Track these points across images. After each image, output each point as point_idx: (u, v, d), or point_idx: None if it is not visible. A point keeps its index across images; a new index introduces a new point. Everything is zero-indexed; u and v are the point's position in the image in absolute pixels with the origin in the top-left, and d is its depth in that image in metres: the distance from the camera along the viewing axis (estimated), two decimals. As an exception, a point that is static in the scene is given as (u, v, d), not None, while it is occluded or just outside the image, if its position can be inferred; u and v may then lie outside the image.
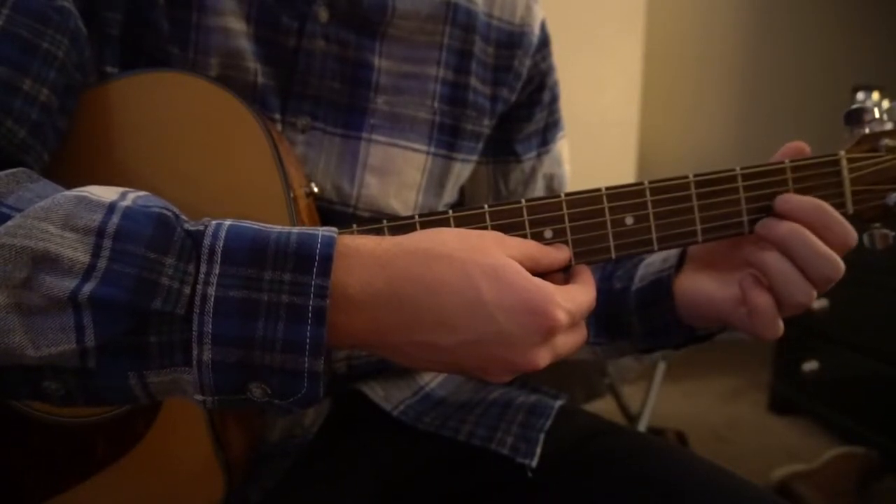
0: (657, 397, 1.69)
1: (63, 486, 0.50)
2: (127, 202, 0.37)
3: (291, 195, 0.49)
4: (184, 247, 0.36)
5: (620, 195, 0.49)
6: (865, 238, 0.54)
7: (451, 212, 0.47)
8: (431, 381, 0.68)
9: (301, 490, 0.57)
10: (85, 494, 0.50)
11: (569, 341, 0.43)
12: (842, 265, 0.48)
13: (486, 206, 0.47)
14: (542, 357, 0.41)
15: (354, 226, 0.47)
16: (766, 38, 2.56)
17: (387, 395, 0.63)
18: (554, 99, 0.73)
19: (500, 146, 0.70)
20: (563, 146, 0.75)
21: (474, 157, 0.68)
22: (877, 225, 0.54)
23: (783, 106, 2.50)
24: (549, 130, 0.73)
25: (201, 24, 0.54)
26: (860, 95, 0.56)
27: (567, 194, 0.48)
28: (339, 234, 0.39)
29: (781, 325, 0.50)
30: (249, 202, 0.49)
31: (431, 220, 0.47)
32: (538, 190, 0.73)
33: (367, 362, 0.64)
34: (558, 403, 0.66)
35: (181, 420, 0.49)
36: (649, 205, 0.49)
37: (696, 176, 0.50)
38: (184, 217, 0.38)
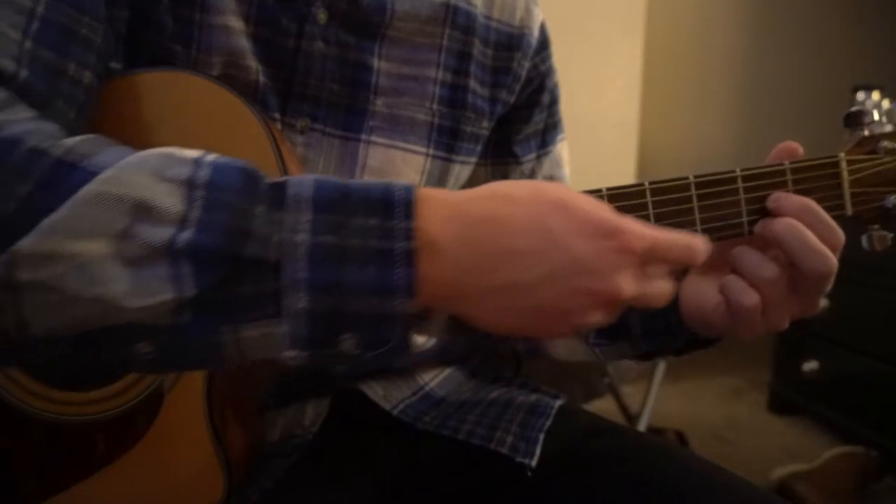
0: (657, 397, 1.69)
1: (63, 486, 0.50)
2: (211, 157, 0.37)
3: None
4: (271, 197, 0.36)
5: (621, 196, 0.49)
6: (864, 240, 0.54)
7: None
8: (431, 380, 0.69)
9: (301, 490, 0.58)
10: (85, 493, 0.50)
11: (657, 284, 0.42)
12: (834, 262, 0.48)
13: None
14: (625, 283, 0.39)
15: None
16: (766, 39, 2.56)
17: (387, 395, 0.64)
18: (553, 101, 0.73)
19: (499, 148, 0.70)
20: (563, 148, 0.75)
21: (473, 159, 0.68)
22: (875, 227, 0.54)
23: (783, 106, 2.50)
24: (549, 132, 0.73)
25: (204, 22, 0.54)
26: (860, 95, 0.57)
27: None
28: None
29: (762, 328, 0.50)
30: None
31: None
32: (538, 191, 0.73)
33: (365, 361, 0.64)
34: (558, 403, 0.66)
35: (181, 419, 0.49)
36: (649, 205, 0.49)
37: (696, 177, 0.50)
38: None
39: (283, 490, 0.57)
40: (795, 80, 2.47)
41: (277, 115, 0.57)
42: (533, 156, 0.72)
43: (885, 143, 0.53)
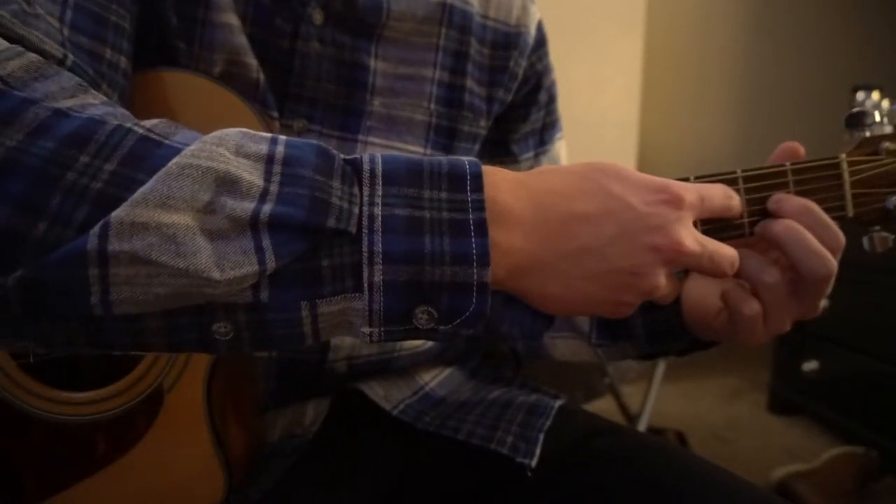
0: (657, 397, 1.69)
1: (63, 485, 0.50)
2: (283, 137, 0.38)
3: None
4: (345, 172, 0.37)
5: None
6: (865, 241, 0.54)
7: None
8: (431, 380, 0.69)
9: (301, 490, 0.58)
10: (85, 493, 0.50)
11: (715, 243, 0.44)
12: (834, 264, 0.48)
13: None
14: (684, 235, 0.41)
15: None
16: (766, 38, 2.56)
17: (387, 395, 0.64)
18: (551, 100, 0.73)
19: (497, 147, 0.70)
20: (562, 147, 0.75)
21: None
22: (876, 228, 0.54)
23: (783, 106, 2.50)
24: (547, 131, 0.73)
25: (207, 19, 0.54)
26: (860, 95, 0.57)
27: None
28: None
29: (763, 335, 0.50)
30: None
31: None
32: (537, 191, 0.73)
33: (367, 362, 0.64)
34: (558, 403, 0.66)
35: (182, 419, 0.49)
36: None
37: (696, 178, 0.50)
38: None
39: (283, 490, 0.57)
40: (795, 80, 2.47)
41: (276, 115, 0.57)
42: (531, 154, 0.72)
43: (887, 145, 0.53)
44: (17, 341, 0.36)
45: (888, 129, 0.54)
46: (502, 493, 0.58)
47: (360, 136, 0.60)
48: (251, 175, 0.35)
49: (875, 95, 0.55)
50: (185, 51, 0.54)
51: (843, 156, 0.53)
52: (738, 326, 0.50)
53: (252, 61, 0.55)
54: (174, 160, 0.34)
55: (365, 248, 0.36)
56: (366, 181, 0.37)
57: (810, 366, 1.89)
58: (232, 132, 0.37)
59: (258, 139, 0.37)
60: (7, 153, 0.33)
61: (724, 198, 0.46)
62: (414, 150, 0.63)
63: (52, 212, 0.33)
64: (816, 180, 0.52)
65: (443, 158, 0.39)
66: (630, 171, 0.42)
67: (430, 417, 0.63)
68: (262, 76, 0.56)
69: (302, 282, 0.35)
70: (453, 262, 0.36)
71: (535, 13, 0.70)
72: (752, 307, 0.49)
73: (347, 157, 0.38)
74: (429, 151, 0.64)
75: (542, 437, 0.60)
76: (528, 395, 0.67)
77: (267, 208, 0.34)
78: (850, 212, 0.53)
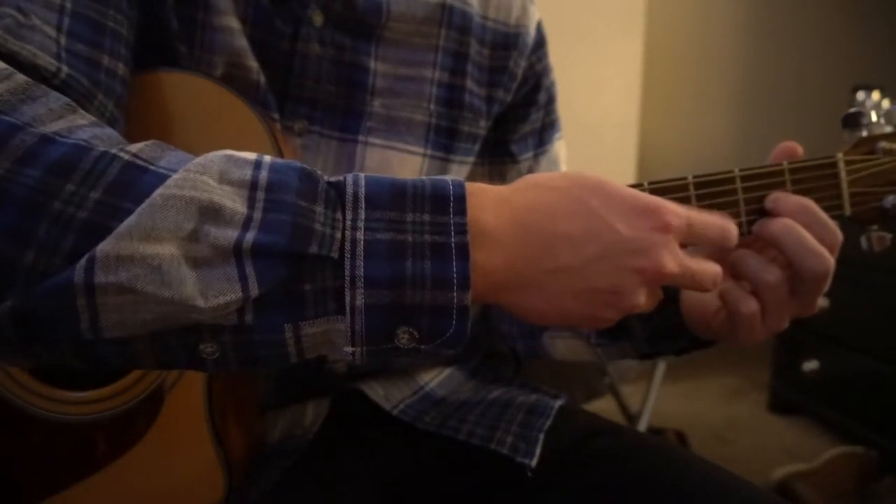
0: (657, 397, 1.69)
1: (64, 485, 0.50)
2: (268, 159, 0.38)
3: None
4: (329, 196, 0.37)
5: None
6: (863, 240, 0.54)
7: None
8: (431, 380, 0.69)
9: (301, 490, 0.57)
10: (85, 493, 0.50)
11: (698, 264, 0.43)
12: (831, 262, 0.48)
13: None
14: (666, 259, 0.41)
15: None
16: (766, 39, 2.56)
17: (387, 395, 0.64)
18: (550, 100, 0.73)
19: (496, 147, 0.70)
20: (561, 147, 0.75)
21: (471, 159, 0.68)
22: (874, 227, 0.54)
23: (783, 106, 2.50)
24: (546, 131, 0.73)
25: (207, 22, 0.54)
26: (860, 95, 0.57)
27: None
28: None
29: (761, 330, 0.50)
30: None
31: None
32: (536, 190, 0.73)
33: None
34: (558, 403, 0.66)
35: (182, 419, 0.49)
36: None
37: (695, 177, 0.50)
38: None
39: (284, 490, 0.57)
40: (795, 80, 2.47)
41: (276, 116, 0.57)
42: (530, 155, 0.72)
43: (884, 144, 0.53)
44: (16, 361, 0.37)
45: (886, 129, 0.54)
46: (502, 494, 0.58)
47: (361, 137, 0.60)
48: (234, 202, 0.35)
49: (875, 95, 0.55)
50: (185, 53, 0.54)
51: (840, 155, 0.53)
52: (736, 325, 0.50)
53: (252, 63, 0.56)
54: (158, 191, 0.34)
55: (347, 273, 0.36)
56: (349, 205, 0.37)
57: (810, 365, 1.89)
58: (216, 157, 0.37)
59: (242, 164, 0.37)
60: None
61: (720, 230, 0.45)
62: (414, 150, 0.63)
63: (40, 241, 0.33)
64: (813, 179, 0.52)
65: (427, 179, 0.39)
66: (616, 189, 0.41)
67: (430, 417, 0.63)
68: (262, 78, 0.56)
69: (285, 305, 0.36)
70: (434, 286, 0.37)
71: (535, 13, 0.70)
72: (751, 306, 0.49)
73: (331, 179, 0.38)
74: (429, 152, 0.64)
75: (542, 437, 0.60)
76: (528, 395, 0.67)
77: (250, 236, 0.35)
78: (848, 211, 0.53)
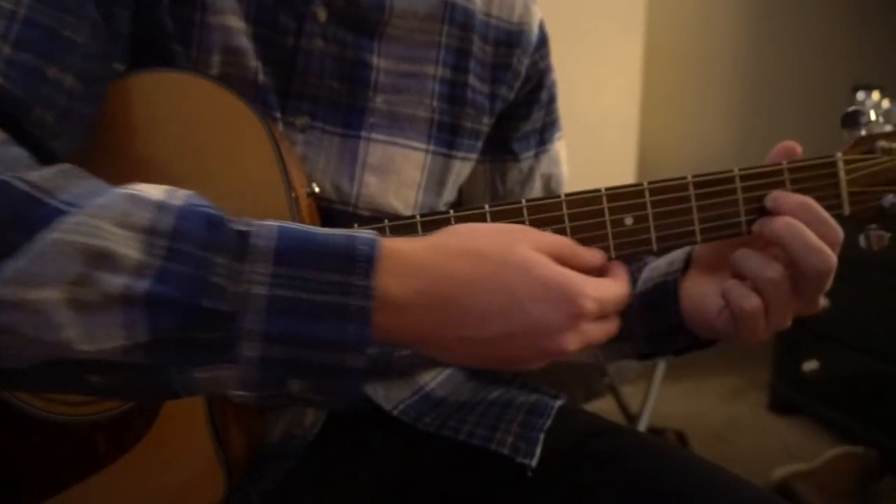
0: (657, 397, 1.69)
1: (63, 485, 0.50)
2: (177, 201, 0.37)
3: (293, 195, 0.50)
4: (234, 246, 0.37)
5: (620, 195, 0.49)
6: (862, 239, 0.54)
7: (451, 212, 0.48)
8: (431, 381, 0.68)
9: (301, 490, 0.57)
10: (85, 493, 0.50)
11: (599, 330, 0.45)
12: (833, 259, 0.48)
13: (486, 206, 0.47)
14: (571, 341, 0.43)
15: (356, 225, 0.48)
16: (767, 39, 2.56)
17: (387, 395, 0.64)
18: (552, 99, 0.73)
19: (497, 145, 0.70)
20: (561, 146, 0.75)
21: (474, 156, 0.68)
22: (873, 226, 0.54)
23: (783, 106, 2.50)
24: (547, 130, 0.73)
25: (204, 22, 0.54)
26: (860, 95, 0.57)
27: (567, 195, 0.49)
28: (378, 236, 0.40)
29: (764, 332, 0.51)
30: (253, 202, 0.49)
31: (432, 219, 0.47)
32: (535, 190, 0.73)
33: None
34: (558, 403, 0.66)
35: (182, 419, 0.49)
36: (648, 205, 0.50)
37: (694, 177, 0.50)
38: (230, 217, 0.38)
39: (284, 491, 0.57)
40: (795, 80, 2.47)
41: (278, 114, 0.57)
42: (531, 153, 0.72)
43: (882, 143, 0.53)
44: None
45: (885, 128, 0.54)
46: (503, 494, 0.58)
47: (363, 133, 0.60)
48: (129, 249, 0.35)
49: (875, 95, 0.54)
50: (181, 54, 0.54)
51: (839, 155, 0.53)
52: (740, 324, 0.50)
53: (250, 63, 0.55)
54: (50, 237, 0.34)
55: (242, 327, 0.36)
56: (252, 258, 0.37)
57: (810, 365, 1.89)
58: (119, 197, 0.37)
59: (146, 206, 0.37)
60: None
61: (622, 300, 0.47)
62: (417, 146, 0.63)
63: None
64: (813, 179, 0.52)
65: (343, 236, 0.39)
66: (540, 273, 0.42)
67: (430, 418, 0.63)
68: (260, 77, 0.56)
69: (174, 351, 0.36)
70: (329, 347, 0.37)
71: (537, 12, 0.70)
72: (753, 302, 0.49)
73: (240, 226, 0.38)
74: (431, 147, 0.64)
75: (542, 437, 0.60)
76: (528, 395, 0.67)
77: (142, 285, 0.35)
78: (847, 210, 0.53)
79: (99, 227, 0.35)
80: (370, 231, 0.40)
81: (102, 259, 0.34)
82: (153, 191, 0.38)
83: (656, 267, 0.61)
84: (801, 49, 2.47)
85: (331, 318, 0.37)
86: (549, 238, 0.45)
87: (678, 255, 0.59)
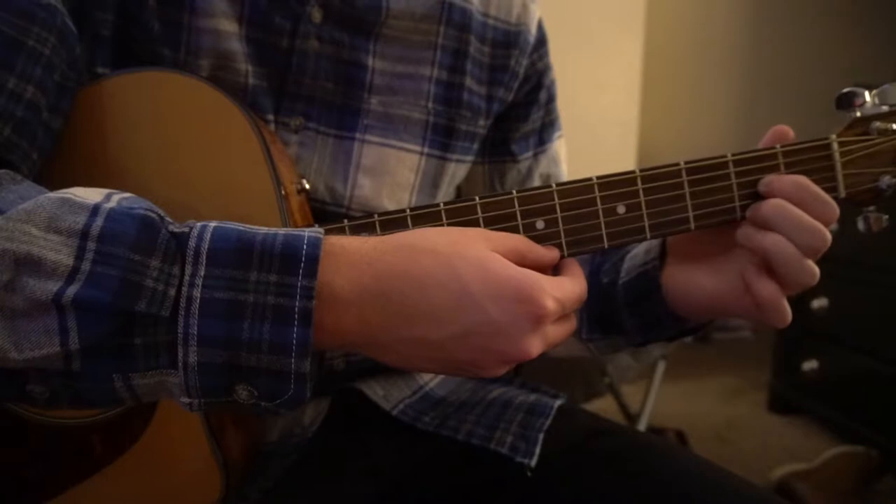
0: (657, 397, 1.69)
1: (61, 487, 0.50)
2: (111, 204, 0.37)
3: (283, 192, 0.49)
4: (168, 249, 0.36)
5: (611, 184, 0.49)
6: (860, 222, 0.53)
7: (442, 204, 0.47)
8: (431, 380, 0.68)
9: (300, 489, 0.57)
10: (83, 495, 0.50)
11: (559, 331, 0.43)
12: (828, 235, 0.48)
13: (477, 197, 0.47)
14: (534, 345, 0.40)
15: (346, 220, 0.47)
16: (766, 38, 2.56)
17: (386, 395, 0.63)
18: (551, 98, 0.72)
19: (496, 146, 0.70)
20: (561, 146, 0.75)
21: (469, 158, 0.68)
22: (871, 209, 0.53)
23: (783, 106, 2.50)
24: (546, 130, 0.73)
25: (192, 25, 0.53)
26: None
27: (558, 184, 0.48)
28: (327, 231, 0.39)
29: (790, 311, 0.49)
30: (240, 200, 0.49)
31: (422, 212, 0.47)
32: (535, 190, 0.73)
33: (364, 359, 0.64)
34: (558, 403, 0.66)
35: (179, 420, 0.49)
36: (641, 193, 0.49)
37: (687, 163, 0.50)
38: (168, 219, 0.38)
39: (283, 490, 0.57)
40: (795, 80, 2.47)
41: (270, 116, 0.57)
42: (530, 154, 0.72)
43: (878, 124, 0.52)
44: None
45: (879, 109, 0.53)
46: (502, 494, 0.58)
47: (358, 135, 0.60)
48: (58, 254, 0.34)
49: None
50: (169, 57, 0.53)
51: (834, 136, 0.52)
52: (763, 311, 0.50)
53: (241, 66, 0.55)
54: None
55: (180, 330, 0.35)
56: (189, 259, 0.36)
57: (810, 365, 1.89)
58: (49, 202, 0.36)
59: (77, 209, 0.36)
60: None
61: (580, 299, 0.45)
62: (411, 148, 0.63)
63: None
64: (807, 162, 0.51)
65: (281, 235, 0.37)
66: (496, 268, 0.40)
67: (429, 417, 0.63)
68: (251, 80, 0.56)
69: (113, 357, 0.35)
70: (271, 350, 0.36)
71: (535, 12, 0.70)
72: (770, 288, 0.49)
73: (176, 229, 0.37)
74: (426, 150, 0.63)
75: (541, 436, 0.60)
76: (527, 395, 0.67)
77: (72, 290, 0.34)
78: (842, 192, 0.52)
79: (24, 231, 0.34)
80: (316, 230, 0.39)
81: (29, 264, 0.34)
82: (88, 194, 0.37)
83: (635, 256, 0.60)
84: (801, 50, 2.47)
85: (271, 320, 0.36)
86: (505, 238, 0.44)
87: (654, 242, 0.58)
